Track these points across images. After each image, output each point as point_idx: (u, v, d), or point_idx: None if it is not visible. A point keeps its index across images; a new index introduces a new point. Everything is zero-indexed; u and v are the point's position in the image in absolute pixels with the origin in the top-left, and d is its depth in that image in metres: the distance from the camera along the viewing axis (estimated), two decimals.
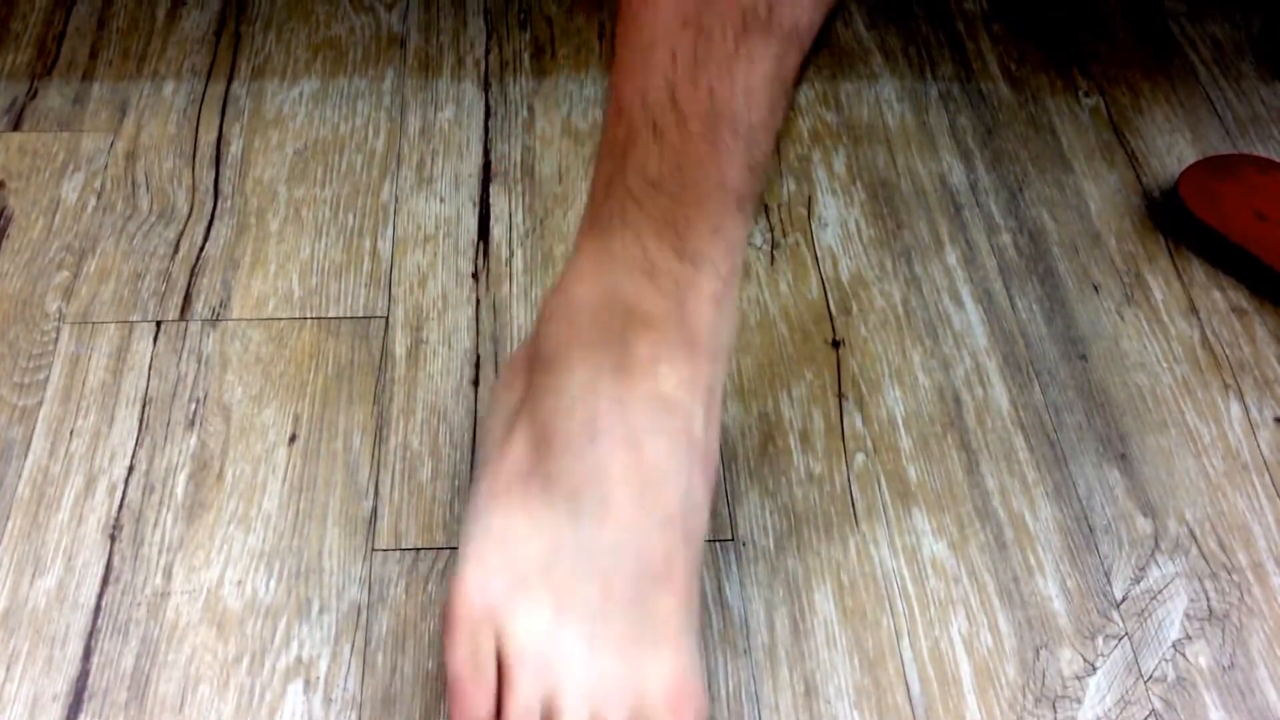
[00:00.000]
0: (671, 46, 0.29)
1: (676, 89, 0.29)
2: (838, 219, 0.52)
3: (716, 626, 0.38)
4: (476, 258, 0.49)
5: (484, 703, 0.31)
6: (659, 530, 0.32)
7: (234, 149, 0.53)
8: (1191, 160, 0.55)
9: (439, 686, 0.37)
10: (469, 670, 0.31)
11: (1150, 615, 0.40)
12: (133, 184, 0.51)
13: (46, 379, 0.44)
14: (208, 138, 0.53)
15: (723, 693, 0.37)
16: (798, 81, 0.31)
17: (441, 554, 0.40)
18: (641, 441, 0.32)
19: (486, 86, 0.57)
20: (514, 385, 0.36)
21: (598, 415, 0.32)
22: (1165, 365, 0.47)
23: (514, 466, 0.34)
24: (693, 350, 0.32)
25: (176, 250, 0.48)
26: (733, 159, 0.30)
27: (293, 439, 0.42)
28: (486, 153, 0.54)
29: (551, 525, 0.32)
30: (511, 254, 0.49)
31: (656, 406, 0.32)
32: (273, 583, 0.39)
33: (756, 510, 0.42)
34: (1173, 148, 0.57)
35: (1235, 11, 0.64)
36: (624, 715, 0.31)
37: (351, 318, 0.47)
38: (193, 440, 0.42)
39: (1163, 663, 0.38)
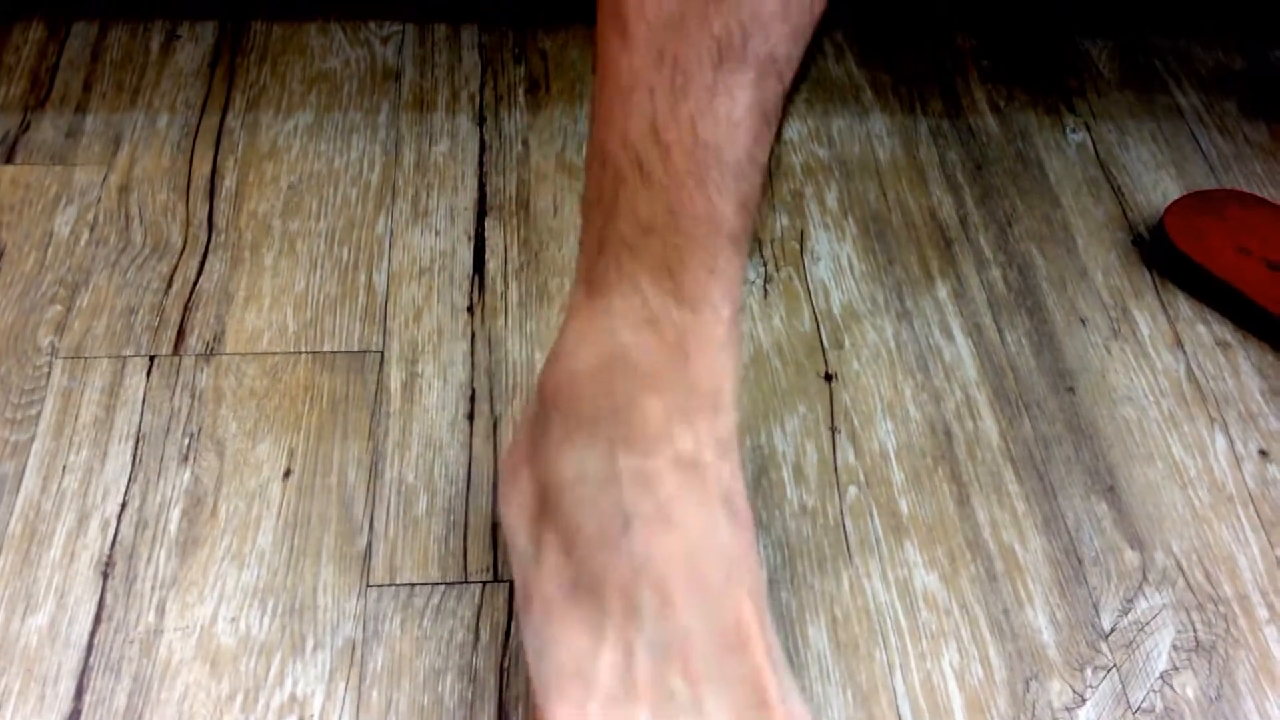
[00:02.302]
0: (649, 85, 0.30)
1: (658, 125, 0.30)
2: (830, 253, 0.54)
3: None
4: (472, 291, 0.51)
5: None
6: (718, 599, 0.32)
7: (228, 182, 0.54)
8: (1176, 195, 0.58)
9: None
10: None
11: (1138, 647, 0.41)
12: (126, 217, 0.53)
13: (38, 414, 0.45)
14: (202, 171, 0.55)
15: None
16: (782, 115, 0.32)
17: (437, 589, 0.41)
18: (674, 515, 0.32)
19: (481, 121, 0.59)
20: (523, 477, 0.35)
21: (623, 500, 0.32)
22: (1152, 398, 0.49)
23: (554, 580, 0.33)
24: (705, 401, 0.32)
25: (170, 284, 0.50)
26: (722, 194, 0.31)
27: (287, 474, 0.44)
28: (481, 187, 0.56)
29: (616, 633, 0.32)
30: (506, 287, 0.51)
31: (680, 472, 0.32)
32: (267, 619, 0.40)
33: None
34: (1158, 183, 0.59)
35: (1219, 49, 0.67)
36: None
37: (346, 352, 0.48)
38: (186, 476, 0.44)
39: (1151, 694, 0.40)
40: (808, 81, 0.63)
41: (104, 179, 0.54)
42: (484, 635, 0.40)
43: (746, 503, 0.34)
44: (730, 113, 0.30)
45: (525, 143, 0.58)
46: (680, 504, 0.32)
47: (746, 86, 0.30)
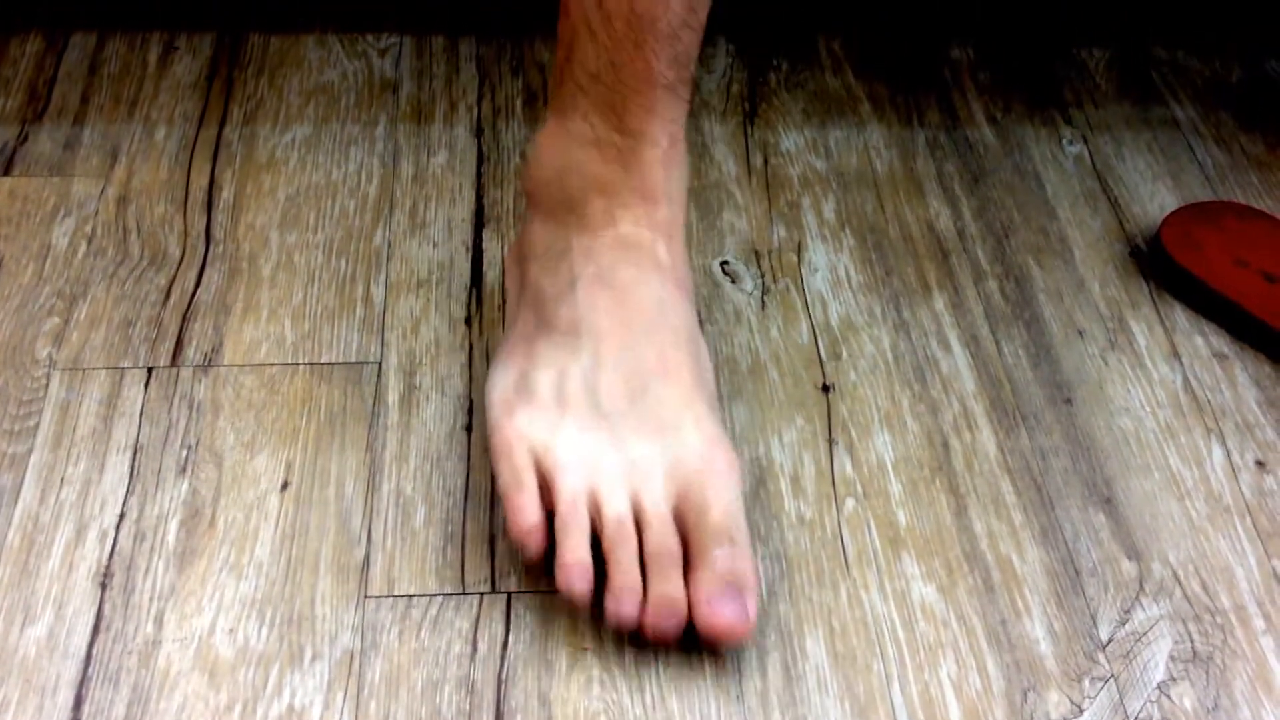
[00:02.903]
0: None
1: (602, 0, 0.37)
2: (827, 264, 0.55)
3: (708, 673, 0.40)
4: (470, 303, 0.52)
5: (532, 507, 0.39)
6: (645, 337, 0.41)
7: (226, 194, 0.55)
8: (1173, 207, 0.59)
9: None
10: (514, 485, 0.39)
11: (1135, 657, 0.42)
12: (124, 229, 0.54)
13: (36, 425, 0.46)
14: (200, 183, 0.56)
15: None
16: None
17: (435, 600, 0.42)
18: (612, 274, 0.41)
19: (479, 133, 0.60)
20: (516, 258, 0.46)
21: (572, 265, 0.41)
22: (1149, 410, 0.50)
23: (521, 330, 0.43)
24: (643, 198, 0.41)
25: (168, 296, 0.51)
26: (657, 54, 0.38)
27: (285, 486, 0.45)
28: (479, 198, 0.57)
29: (556, 360, 0.41)
30: (505, 300, 0.52)
31: (618, 245, 0.41)
32: (265, 630, 0.41)
33: None
34: (1155, 195, 0.60)
35: (1215, 61, 0.69)
36: (661, 484, 0.39)
37: (344, 363, 0.49)
38: (184, 487, 0.44)
39: (1148, 704, 0.41)
40: (804, 91, 0.64)
41: (102, 191, 0.55)
42: (482, 647, 0.41)
43: (686, 271, 0.43)
44: None
45: (523, 154, 0.59)
46: (617, 268, 0.41)
47: None
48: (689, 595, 0.38)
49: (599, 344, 0.41)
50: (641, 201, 0.41)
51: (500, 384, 0.42)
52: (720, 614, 0.38)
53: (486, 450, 0.43)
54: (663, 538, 0.39)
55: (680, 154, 0.42)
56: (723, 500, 0.40)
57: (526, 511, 0.39)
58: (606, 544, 0.39)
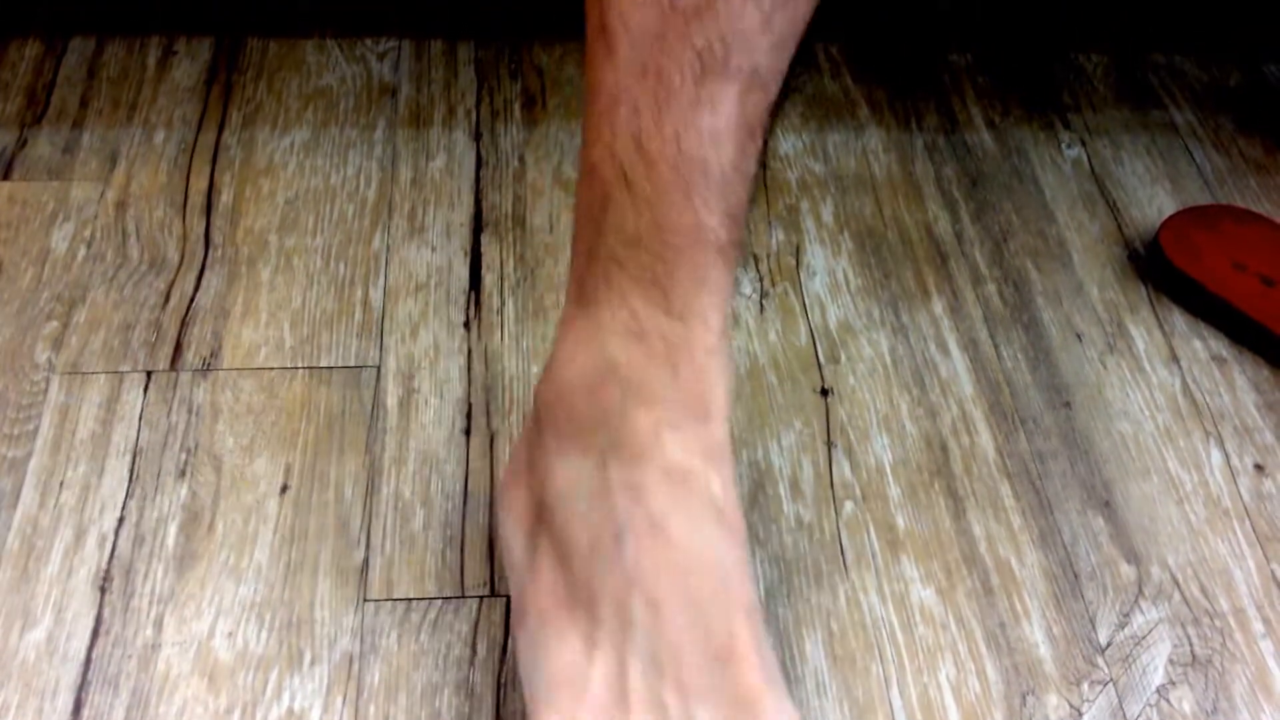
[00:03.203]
0: (634, 98, 0.31)
1: (643, 139, 0.31)
2: (826, 268, 0.56)
3: None
4: (468, 307, 0.52)
5: None
6: (710, 612, 0.33)
7: (225, 198, 0.56)
8: (1171, 210, 0.59)
9: None
10: None
11: (1135, 661, 0.42)
12: (123, 233, 0.54)
13: (36, 430, 0.46)
14: (198, 187, 0.56)
15: None
16: (768, 126, 0.33)
17: (434, 604, 0.42)
18: (666, 525, 0.33)
19: (478, 136, 0.60)
20: (520, 490, 0.36)
21: (615, 511, 0.33)
22: (1147, 413, 0.51)
23: (549, 592, 0.34)
24: (694, 411, 0.33)
25: (167, 300, 0.51)
26: (709, 206, 0.31)
27: (284, 489, 0.45)
28: (478, 202, 0.57)
29: (608, 645, 0.33)
30: (503, 303, 0.52)
31: (671, 482, 0.33)
32: (264, 634, 0.41)
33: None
34: (1153, 198, 0.61)
35: (1214, 65, 0.69)
36: None
37: (343, 367, 0.49)
38: (183, 491, 0.45)
39: (1147, 708, 0.41)
40: (802, 95, 0.64)
41: (101, 195, 0.55)
42: (481, 650, 0.41)
43: (739, 513, 0.34)
44: (714, 126, 0.31)
45: (521, 158, 0.59)
46: (671, 516, 0.33)
47: (730, 99, 0.30)
48: None
49: (660, 623, 0.32)
50: (693, 418, 0.33)
51: (543, 680, 0.34)
52: None
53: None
54: None
55: (728, 347, 0.34)
56: None
57: None
58: None
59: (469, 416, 0.48)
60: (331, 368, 0.49)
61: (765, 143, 0.35)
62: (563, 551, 0.34)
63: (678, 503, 0.33)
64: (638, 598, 0.32)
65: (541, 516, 0.35)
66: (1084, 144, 0.63)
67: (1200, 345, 0.54)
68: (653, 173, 0.31)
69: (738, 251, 0.34)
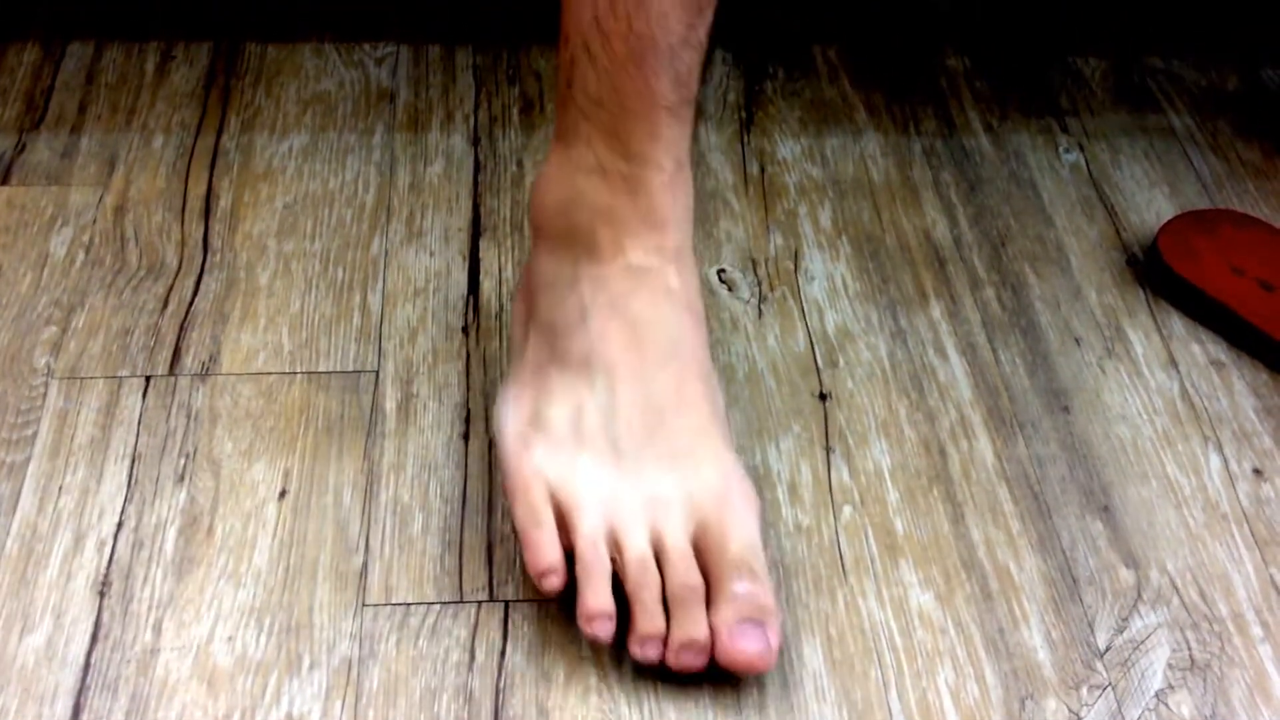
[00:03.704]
0: None
1: (599, 17, 0.38)
2: (824, 273, 0.56)
3: (706, 681, 0.41)
4: (467, 312, 0.53)
5: (550, 545, 0.39)
6: (659, 369, 0.41)
7: (223, 203, 0.56)
8: (1169, 215, 0.60)
9: None
10: (531, 523, 0.39)
11: (1133, 665, 0.43)
12: (121, 238, 0.54)
13: (34, 434, 0.46)
14: (197, 192, 0.57)
15: None
16: (713, 3, 0.39)
17: (432, 608, 0.42)
18: (624, 305, 0.41)
19: (476, 141, 0.61)
20: (523, 291, 0.46)
21: (582, 296, 0.41)
22: (1146, 417, 0.51)
23: (532, 360, 0.43)
24: (651, 226, 0.41)
25: (165, 305, 0.52)
26: (657, 74, 0.38)
27: (283, 494, 0.45)
28: (476, 207, 0.57)
29: (571, 394, 0.41)
30: (502, 308, 0.53)
31: (628, 274, 0.41)
32: (263, 638, 0.41)
33: None
34: (1151, 203, 0.61)
35: (1211, 69, 0.70)
36: (680, 519, 0.39)
37: (341, 372, 0.50)
38: (182, 496, 0.45)
39: (1146, 712, 0.41)
40: (800, 99, 0.65)
41: (99, 200, 0.56)
42: (480, 655, 0.41)
43: (698, 299, 0.43)
44: (660, 8, 0.37)
45: (520, 163, 0.60)
46: (627, 298, 0.41)
47: None
48: (710, 628, 0.39)
49: (613, 377, 0.41)
50: (649, 229, 0.41)
51: (513, 418, 0.42)
52: (743, 647, 0.38)
53: (503, 490, 0.43)
54: (685, 575, 0.39)
55: (686, 179, 0.42)
56: (742, 532, 0.40)
57: (546, 549, 0.39)
58: (630, 586, 0.39)
59: (467, 421, 0.49)
60: (330, 372, 0.50)
61: (711, 16, 0.40)
62: (544, 330, 0.43)
63: (635, 288, 0.41)
64: (597, 361, 0.41)
65: (533, 307, 0.44)
66: (1082, 148, 0.64)
67: (1199, 349, 0.54)
68: (608, 47, 0.38)
69: (690, 109, 0.41)
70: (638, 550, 0.39)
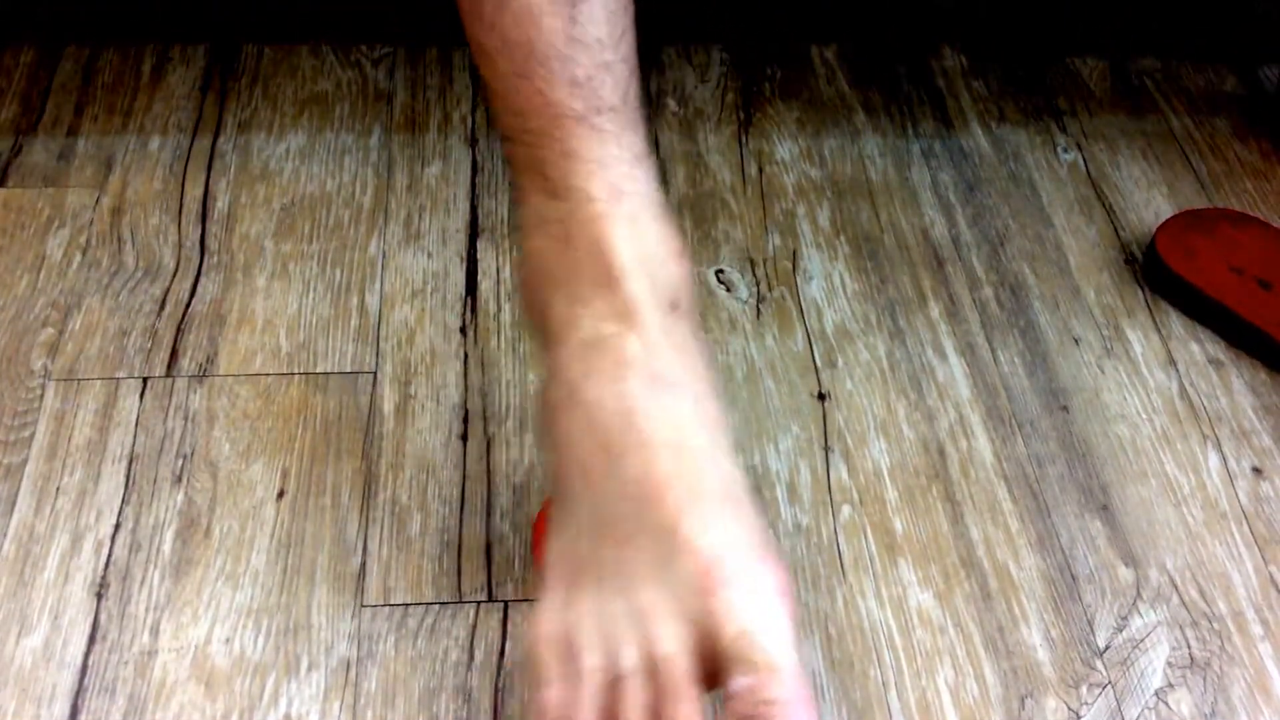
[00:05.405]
0: (466, 8, 0.34)
1: (479, 36, 0.34)
2: (822, 273, 0.56)
3: None
4: (464, 312, 0.53)
5: (560, 700, 0.33)
6: (624, 457, 0.34)
7: (220, 204, 0.57)
8: (1168, 214, 0.60)
9: None
10: (543, 685, 0.34)
11: (1133, 664, 0.43)
12: (118, 240, 0.55)
13: (32, 436, 0.47)
14: (194, 193, 0.57)
15: None
16: None
17: (431, 609, 0.43)
18: (580, 394, 0.35)
19: (473, 143, 0.61)
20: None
21: (549, 394, 0.36)
22: (1145, 416, 0.52)
23: (552, 485, 0.37)
24: (595, 281, 0.35)
25: (163, 306, 0.52)
26: (548, 82, 0.33)
27: (281, 495, 0.46)
28: (473, 208, 0.58)
29: (567, 522, 0.35)
30: (499, 309, 0.53)
31: (585, 352, 0.35)
32: (261, 640, 0.41)
33: None
34: (1149, 202, 0.62)
35: (1209, 69, 0.70)
36: (670, 626, 0.33)
37: (339, 373, 0.50)
38: (180, 497, 0.45)
39: (1146, 710, 0.42)
40: (798, 100, 0.65)
41: (96, 202, 0.56)
42: (478, 655, 0.41)
43: (670, 358, 0.36)
44: (524, 6, 0.33)
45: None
46: (583, 383, 0.35)
47: None
48: None
49: (585, 486, 0.35)
50: (595, 287, 0.35)
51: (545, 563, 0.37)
52: None
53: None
54: (672, 686, 0.34)
55: (637, 206, 0.35)
56: (734, 620, 0.34)
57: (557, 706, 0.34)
58: (621, 712, 0.34)
59: (465, 421, 0.49)
60: (328, 373, 0.50)
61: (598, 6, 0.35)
62: (548, 446, 0.38)
63: (590, 369, 0.35)
64: (573, 468, 0.35)
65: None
66: (1080, 148, 0.64)
67: (1197, 348, 0.55)
68: (492, 66, 0.34)
69: (613, 118, 0.35)
70: (628, 670, 0.34)
